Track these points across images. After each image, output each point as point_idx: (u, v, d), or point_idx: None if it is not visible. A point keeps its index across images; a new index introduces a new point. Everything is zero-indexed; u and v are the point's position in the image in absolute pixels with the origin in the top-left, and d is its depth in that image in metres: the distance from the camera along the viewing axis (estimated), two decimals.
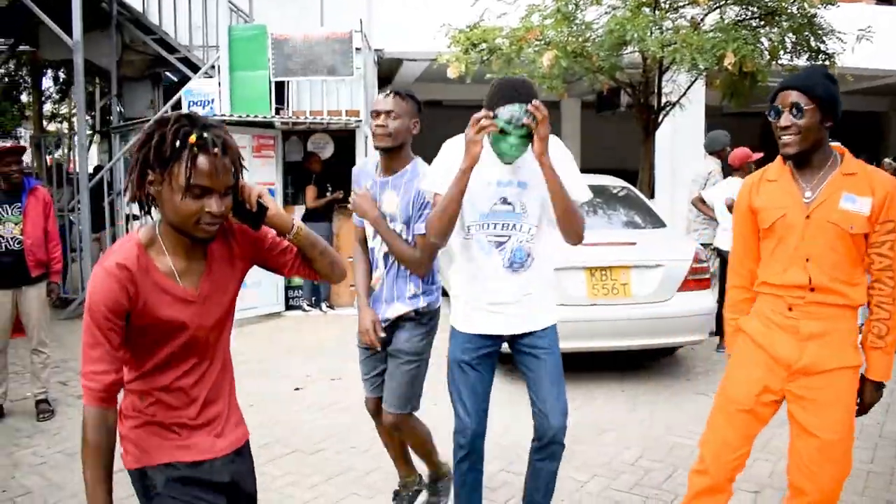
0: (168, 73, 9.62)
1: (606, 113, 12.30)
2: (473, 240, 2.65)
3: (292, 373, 5.72)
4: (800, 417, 2.35)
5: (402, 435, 3.11)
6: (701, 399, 5.08)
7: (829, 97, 2.25)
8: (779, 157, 2.43)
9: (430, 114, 15.35)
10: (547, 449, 2.70)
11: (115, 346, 1.66)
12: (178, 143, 1.57)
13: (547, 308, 2.75)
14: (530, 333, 2.69)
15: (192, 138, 1.58)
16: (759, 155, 6.51)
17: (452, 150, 2.66)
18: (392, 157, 2.89)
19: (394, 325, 2.94)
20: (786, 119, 2.26)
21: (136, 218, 8.67)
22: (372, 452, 4.03)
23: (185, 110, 1.95)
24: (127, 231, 8.84)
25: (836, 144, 2.43)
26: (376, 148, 2.89)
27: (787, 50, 7.71)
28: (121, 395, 1.77)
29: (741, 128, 16.51)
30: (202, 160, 1.59)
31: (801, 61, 7.94)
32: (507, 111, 2.39)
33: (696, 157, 10.76)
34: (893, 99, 16.47)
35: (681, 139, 10.72)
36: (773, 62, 7.73)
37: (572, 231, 2.57)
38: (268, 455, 4.05)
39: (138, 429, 1.79)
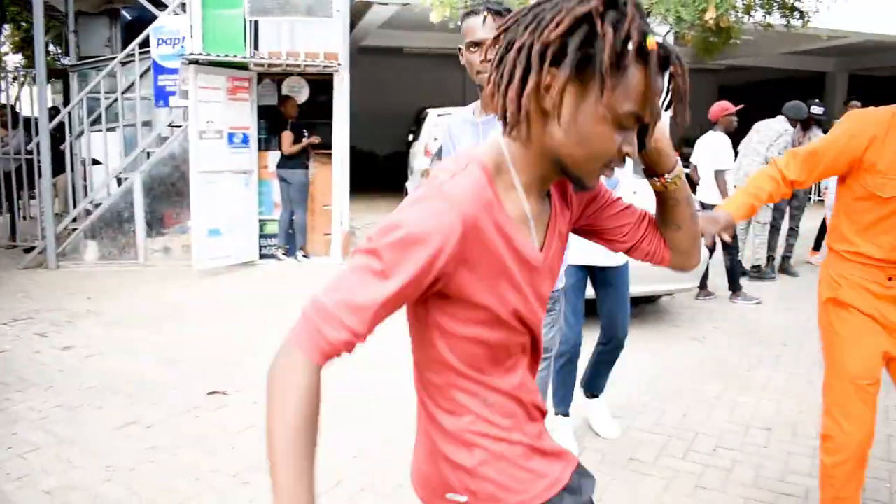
0: (124, 12, 9.09)
1: None
2: None
3: (285, 321, 5.57)
4: None
5: None
6: (694, 344, 5.23)
7: None
8: None
9: (391, 62, 15.33)
10: (615, 351, 3.53)
11: (399, 297, 1.03)
12: (631, 46, 1.02)
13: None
14: (610, 268, 3.43)
15: (653, 42, 1.03)
16: (740, 107, 6.63)
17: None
18: None
19: None
20: None
21: (96, 163, 8.28)
22: (387, 401, 4.01)
23: None
24: (85, 179, 8.43)
25: None
26: (480, 85, 2.31)
27: (760, 6, 7.82)
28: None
29: (695, 83, 16.88)
30: (657, 80, 1.06)
31: (774, 19, 8.08)
32: None
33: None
34: (839, 59, 16.97)
35: None
36: (748, 18, 7.84)
37: None
38: None
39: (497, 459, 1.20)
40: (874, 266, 2.25)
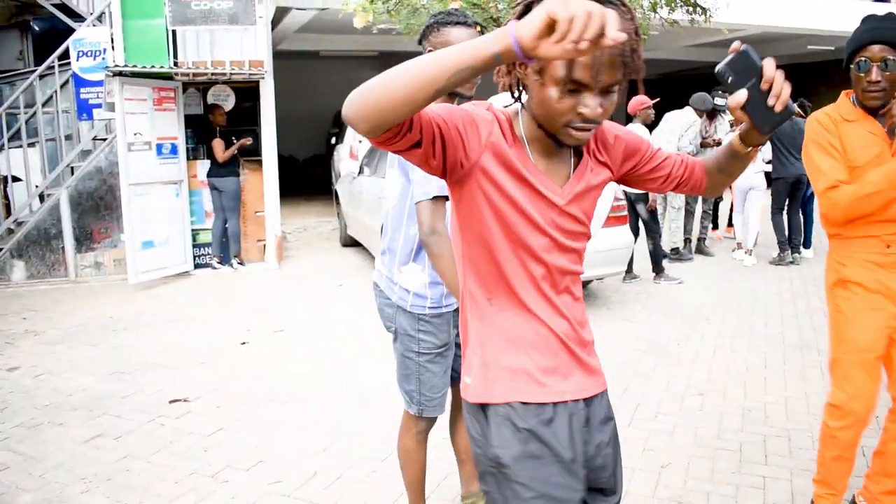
0: (34, 24, 8.83)
1: None
2: None
3: (230, 328, 5.65)
4: None
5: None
6: (626, 324, 5.60)
7: None
8: (844, 99, 2.48)
9: (307, 65, 15.34)
10: None
11: (430, 139, 1.26)
12: None
13: None
14: None
15: None
16: (656, 100, 7.07)
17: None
18: None
19: None
20: (876, 74, 2.31)
21: (16, 180, 8.05)
22: (350, 399, 4.19)
23: None
24: (6, 198, 8.19)
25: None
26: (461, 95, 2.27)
27: (665, 4, 8.29)
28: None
29: None
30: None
31: (678, 15, 8.59)
32: None
33: None
34: None
35: None
36: (654, 15, 8.31)
37: None
38: (253, 404, 4.11)
39: None
40: (870, 237, 2.43)
